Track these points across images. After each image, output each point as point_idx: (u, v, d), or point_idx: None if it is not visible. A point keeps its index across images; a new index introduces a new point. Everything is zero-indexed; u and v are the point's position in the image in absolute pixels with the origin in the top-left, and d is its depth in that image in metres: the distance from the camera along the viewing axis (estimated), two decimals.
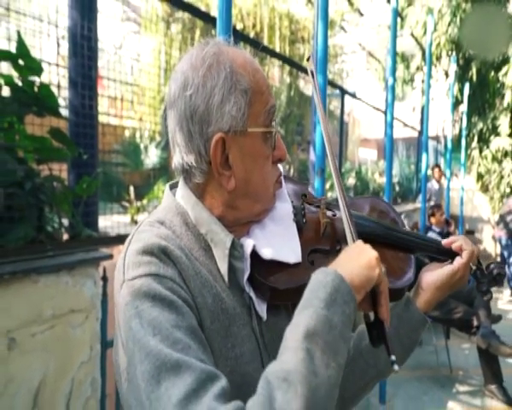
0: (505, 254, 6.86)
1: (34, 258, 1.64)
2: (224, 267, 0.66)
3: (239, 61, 0.66)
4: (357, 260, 0.61)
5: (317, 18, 2.08)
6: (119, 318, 0.59)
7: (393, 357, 0.58)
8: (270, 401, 0.46)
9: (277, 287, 0.67)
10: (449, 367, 3.91)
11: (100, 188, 2.43)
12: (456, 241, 0.81)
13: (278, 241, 0.70)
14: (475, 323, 3.58)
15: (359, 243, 0.66)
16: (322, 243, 0.75)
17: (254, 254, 0.67)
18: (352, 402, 0.83)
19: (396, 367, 0.58)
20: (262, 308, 0.69)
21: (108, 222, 2.36)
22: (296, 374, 0.48)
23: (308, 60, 0.82)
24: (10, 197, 1.68)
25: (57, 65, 2.24)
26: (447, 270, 0.79)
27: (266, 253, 0.67)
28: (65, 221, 1.94)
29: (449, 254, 0.82)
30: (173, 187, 0.76)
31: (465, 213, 8.28)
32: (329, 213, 0.81)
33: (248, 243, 0.67)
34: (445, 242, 0.83)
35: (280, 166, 0.76)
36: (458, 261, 0.79)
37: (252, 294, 0.68)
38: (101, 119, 2.77)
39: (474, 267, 0.83)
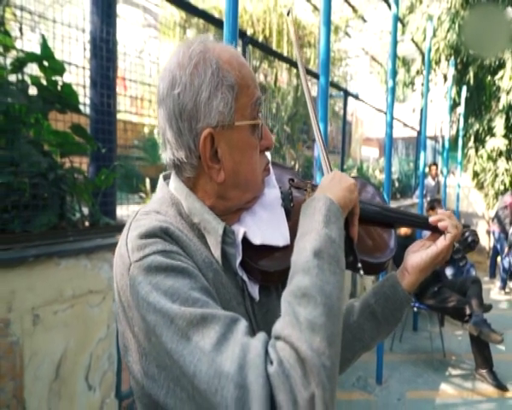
0: (498, 246, 6.79)
1: (56, 243, 1.66)
2: (217, 253, 0.65)
3: (225, 57, 0.64)
4: (339, 185, 0.67)
5: (323, 23, 2.06)
6: (129, 300, 0.57)
7: (359, 264, 0.68)
8: (295, 317, 0.50)
9: (267, 270, 0.67)
10: (442, 352, 3.88)
11: (120, 180, 2.45)
12: (443, 220, 0.78)
13: (267, 226, 0.70)
14: (468, 311, 3.56)
15: (336, 171, 0.71)
16: None
17: (245, 240, 0.67)
18: (340, 369, 0.84)
19: (361, 272, 0.68)
20: (254, 290, 0.69)
21: (126, 211, 2.37)
22: (313, 287, 0.52)
23: (288, 14, 0.81)
24: (35, 187, 1.70)
25: (83, 68, 2.24)
26: (431, 252, 0.77)
27: (256, 239, 0.67)
28: (85, 210, 1.96)
29: (432, 229, 0.80)
30: (166, 178, 0.74)
31: (461, 208, 8.17)
32: None
33: (239, 230, 0.67)
34: (431, 219, 0.80)
35: (268, 153, 0.74)
36: (442, 243, 0.77)
37: (244, 277, 0.68)
38: (124, 116, 2.79)
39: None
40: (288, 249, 0.67)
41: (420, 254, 0.78)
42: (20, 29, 2.12)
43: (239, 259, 0.66)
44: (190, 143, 0.63)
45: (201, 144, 0.63)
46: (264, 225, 0.70)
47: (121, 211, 2.27)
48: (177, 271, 0.56)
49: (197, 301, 0.53)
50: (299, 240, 0.60)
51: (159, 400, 0.56)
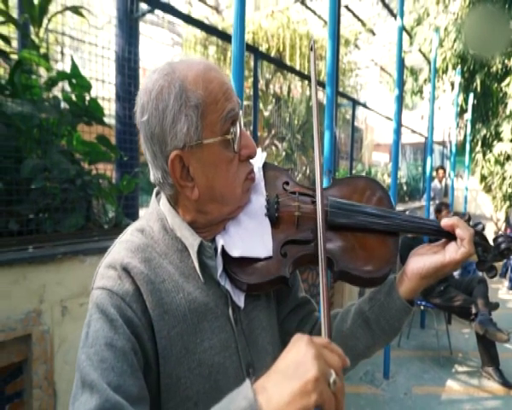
0: None
1: (82, 241, 1.73)
2: (196, 267, 0.64)
3: (190, 76, 0.60)
4: (291, 382, 0.41)
5: (329, 36, 2.06)
6: None
7: None
8: None
9: (248, 282, 0.63)
10: (449, 349, 3.77)
11: (146, 184, 2.52)
12: (460, 228, 0.64)
13: (251, 236, 0.65)
14: (474, 311, 3.44)
15: (299, 349, 0.44)
16: (295, 234, 0.67)
17: (227, 252, 0.63)
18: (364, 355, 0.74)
19: None
20: (239, 298, 0.66)
21: None
22: None
23: (311, 49, 0.75)
24: (64, 192, 1.78)
25: (115, 84, 2.32)
26: (436, 261, 0.64)
27: (235, 251, 0.63)
28: (110, 212, 2.03)
29: (443, 236, 0.67)
30: (158, 193, 0.73)
31: (469, 210, 7.94)
32: (308, 200, 0.71)
33: (218, 243, 0.64)
34: (444, 222, 0.66)
35: (254, 160, 0.69)
36: (451, 256, 0.64)
37: (228, 286, 0.65)
38: None
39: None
40: (271, 261, 0.64)
41: (423, 260, 0.66)
42: (62, 52, 2.25)
43: (219, 270, 0.64)
44: (164, 164, 0.62)
45: (170, 166, 0.61)
46: (247, 236, 0.65)
47: (143, 213, 2.34)
48: (108, 318, 0.55)
49: (105, 361, 0.52)
50: None
51: None
